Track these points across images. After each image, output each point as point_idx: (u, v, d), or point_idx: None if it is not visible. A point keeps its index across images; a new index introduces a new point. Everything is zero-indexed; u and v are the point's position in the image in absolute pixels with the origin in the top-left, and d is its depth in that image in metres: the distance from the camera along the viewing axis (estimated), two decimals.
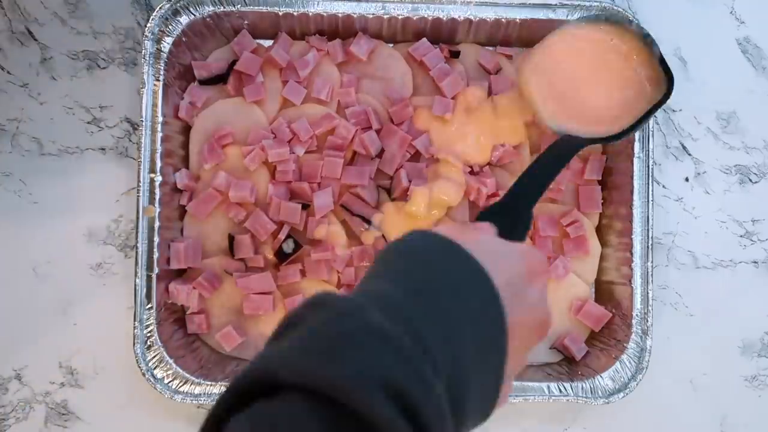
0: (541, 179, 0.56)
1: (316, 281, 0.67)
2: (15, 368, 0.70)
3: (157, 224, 0.65)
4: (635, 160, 0.68)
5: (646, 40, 0.62)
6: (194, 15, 0.66)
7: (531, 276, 0.41)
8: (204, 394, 0.64)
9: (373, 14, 0.67)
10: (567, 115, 0.62)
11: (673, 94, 0.63)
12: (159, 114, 0.65)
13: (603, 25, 0.63)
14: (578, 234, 0.69)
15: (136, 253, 0.64)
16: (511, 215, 0.52)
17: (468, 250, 0.38)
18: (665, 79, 0.62)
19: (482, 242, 0.42)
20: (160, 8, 0.65)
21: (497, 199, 0.68)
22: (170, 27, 0.66)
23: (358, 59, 0.69)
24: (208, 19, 0.67)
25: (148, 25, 0.65)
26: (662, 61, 0.62)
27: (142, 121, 0.65)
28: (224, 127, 0.68)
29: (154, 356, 0.64)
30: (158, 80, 0.65)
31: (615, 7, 0.67)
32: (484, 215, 0.51)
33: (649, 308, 0.67)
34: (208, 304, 0.68)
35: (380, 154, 0.69)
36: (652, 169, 0.67)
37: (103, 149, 0.71)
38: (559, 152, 0.59)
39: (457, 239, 0.39)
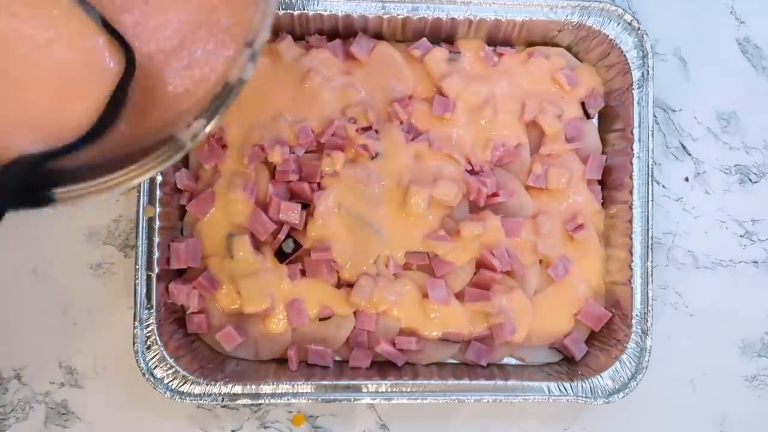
0: None
1: (316, 281, 0.67)
2: (15, 368, 0.70)
3: (157, 224, 0.65)
4: (635, 160, 0.68)
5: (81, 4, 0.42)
6: None
7: None
8: (204, 394, 0.64)
9: (373, 14, 0.67)
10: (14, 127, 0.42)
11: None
12: None
13: None
14: (584, 238, 0.69)
15: (136, 253, 0.64)
16: None
17: None
18: (120, 47, 0.43)
19: None
20: None
21: (497, 199, 0.68)
22: None
23: (358, 59, 0.69)
24: None
25: None
26: (109, 29, 0.43)
27: None
28: (224, 127, 0.68)
29: (154, 356, 0.64)
30: None
31: (614, 7, 0.67)
32: None
33: (649, 308, 0.67)
34: (208, 304, 0.68)
35: None
36: (652, 168, 0.67)
37: None
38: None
39: None
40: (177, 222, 0.69)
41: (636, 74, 0.68)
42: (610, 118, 0.71)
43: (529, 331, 0.69)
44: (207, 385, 0.65)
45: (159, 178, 0.65)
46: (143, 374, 0.64)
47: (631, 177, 0.68)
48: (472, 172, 0.69)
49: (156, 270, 0.65)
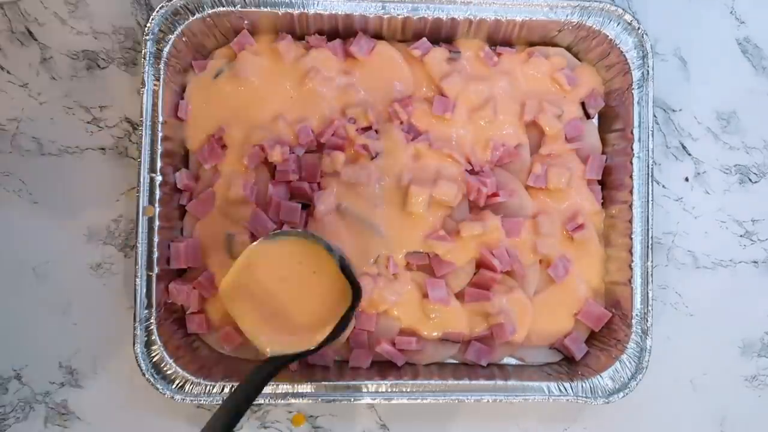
0: (233, 416, 0.55)
1: None
2: (15, 368, 0.70)
3: (157, 224, 0.65)
4: (635, 160, 0.68)
5: (331, 253, 0.60)
6: (194, 15, 0.66)
7: None
8: (204, 393, 0.64)
9: (373, 14, 0.67)
10: (279, 334, 0.60)
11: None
12: (159, 114, 0.65)
13: (292, 239, 0.60)
14: (584, 238, 0.69)
15: (136, 253, 0.64)
16: None
17: None
18: (350, 287, 0.61)
19: None
20: (160, 8, 0.65)
21: (497, 199, 0.68)
22: (170, 27, 0.66)
23: (358, 59, 0.69)
24: (207, 19, 0.67)
25: (148, 25, 0.65)
26: (345, 270, 0.60)
27: (142, 121, 0.65)
28: (224, 127, 0.68)
29: (154, 356, 0.64)
30: (158, 80, 0.65)
31: (614, 7, 0.67)
32: None
33: (649, 308, 0.67)
34: (208, 304, 0.68)
35: None
36: (652, 168, 0.67)
37: (103, 149, 0.71)
38: (261, 377, 0.59)
39: None
40: (177, 222, 0.69)
41: (636, 74, 0.68)
42: (610, 118, 0.71)
43: (529, 331, 0.69)
44: (207, 385, 0.65)
45: (159, 178, 0.65)
46: (143, 374, 0.64)
47: (631, 177, 0.68)
48: (472, 172, 0.69)
49: (156, 270, 0.65)
